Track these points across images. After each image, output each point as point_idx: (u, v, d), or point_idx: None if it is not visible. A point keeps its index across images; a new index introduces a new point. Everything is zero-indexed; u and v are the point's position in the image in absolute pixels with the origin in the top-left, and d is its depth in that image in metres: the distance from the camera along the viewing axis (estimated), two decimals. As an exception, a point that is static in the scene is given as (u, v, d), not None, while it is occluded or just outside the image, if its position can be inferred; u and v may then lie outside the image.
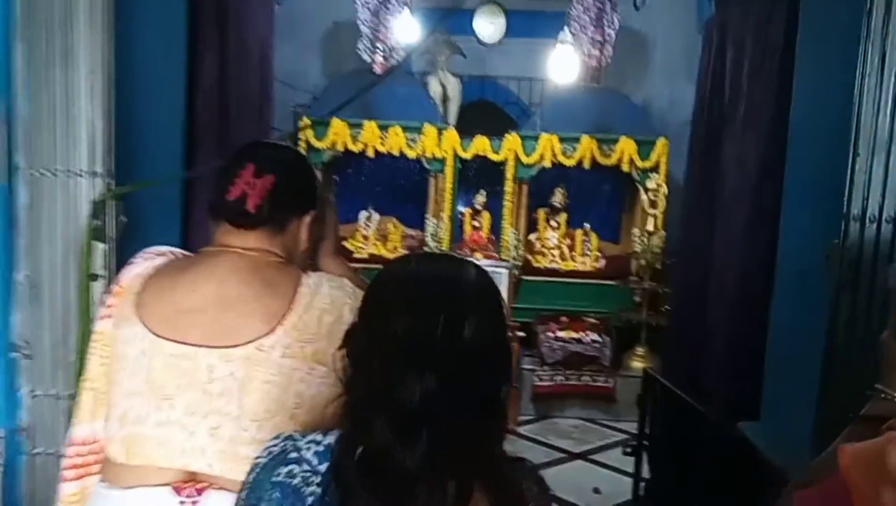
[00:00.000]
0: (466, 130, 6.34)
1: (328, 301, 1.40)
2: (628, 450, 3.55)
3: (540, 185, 6.40)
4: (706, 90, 3.80)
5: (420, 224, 6.29)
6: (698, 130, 3.85)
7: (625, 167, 6.09)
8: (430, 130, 6.02)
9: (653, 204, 5.79)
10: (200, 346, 1.33)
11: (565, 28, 5.78)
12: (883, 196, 2.08)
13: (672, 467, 3.18)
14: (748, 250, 3.05)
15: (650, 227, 5.79)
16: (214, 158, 2.82)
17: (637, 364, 5.76)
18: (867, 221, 2.08)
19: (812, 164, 2.51)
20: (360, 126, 6.01)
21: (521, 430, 5.42)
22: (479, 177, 6.52)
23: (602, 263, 6.30)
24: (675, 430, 3.24)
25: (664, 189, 5.84)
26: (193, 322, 1.34)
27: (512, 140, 6.10)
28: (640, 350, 5.81)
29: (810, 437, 2.19)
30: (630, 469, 3.83)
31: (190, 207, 2.75)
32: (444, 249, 6.11)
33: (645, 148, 6.05)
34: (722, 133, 3.53)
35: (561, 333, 5.74)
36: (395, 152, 6.04)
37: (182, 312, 1.36)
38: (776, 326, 2.74)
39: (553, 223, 6.44)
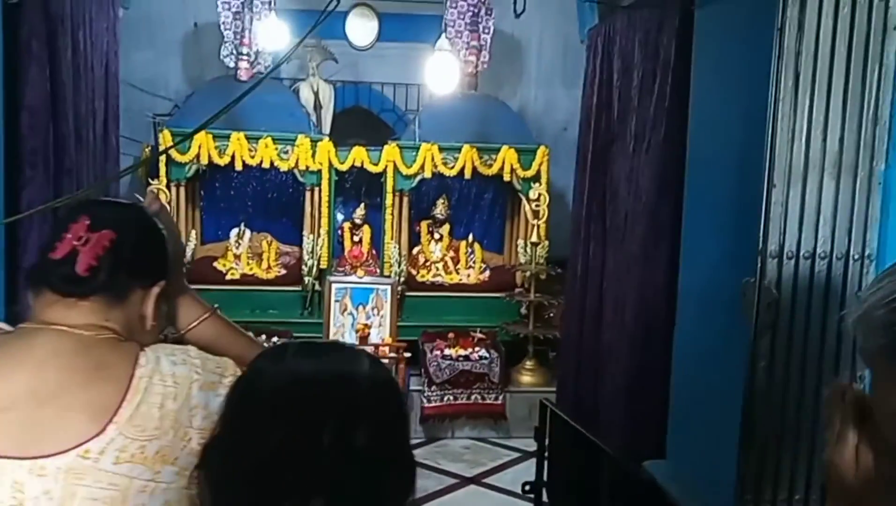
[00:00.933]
0: (341, 138, 6.04)
1: (170, 382, 1.13)
2: (527, 488, 3.36)
3: (421, 196, 6.18)
4: (592, 102, 3.67)
5: (297, 240, 5.93)
6: (585, 143, 3.72)
7: (506, 177, 5.96)
8: (303, 140, 5.67)
9: (536, 214, 5.67)
10: (4, 457, 1.04)
11: (443, 35, 5.56)
12: (800, 230, 1.95)
13: (576, 506, 3.02)
14: (645, 275, 2.93)
15: (534, 237, 5.67)
16: (46, 190, 2.42)
17: (526, 379, 5.64)
18: (784, 257, 1.95)
19: (715, 190, 2.39)
20: (226, 137, 5.57)
21: (411, 455, 5.18)
22: (357, 189, 6.23)
23: (487, 274, 6.15)
24: (576, 466, 3.07)
25: (546, 198, 5.74)
26: None
27: (390, 150, 5.84)
28: (528, 364, 5.69)
29: (728, 483, 2.05)
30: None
31: (14, 261, 2.33)
32: (322, 266, 5.78)
33: (526, 157, 5.93)
34: (611, 149, 3.41)
35: (448, 351, 5.53)
36: (266, 165, 5.65)
37: None
38: (680, 359, 2.61)
39: (436, 235, 6.23)
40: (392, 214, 5.90)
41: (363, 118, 6.82)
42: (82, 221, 1.16)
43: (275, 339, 5.41)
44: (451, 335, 5.61)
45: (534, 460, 3.53)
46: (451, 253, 6.21)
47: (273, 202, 6.18)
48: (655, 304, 2.87)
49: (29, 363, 1.11)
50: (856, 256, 1.99)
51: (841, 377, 1.91)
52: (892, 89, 1.98)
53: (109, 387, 1.06)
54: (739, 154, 2.25)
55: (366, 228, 6.07)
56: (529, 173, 5.92)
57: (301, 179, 5.78)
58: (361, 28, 6.66)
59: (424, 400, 5.39)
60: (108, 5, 3.18)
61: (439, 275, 6.08)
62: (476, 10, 6.28)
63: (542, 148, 5.96)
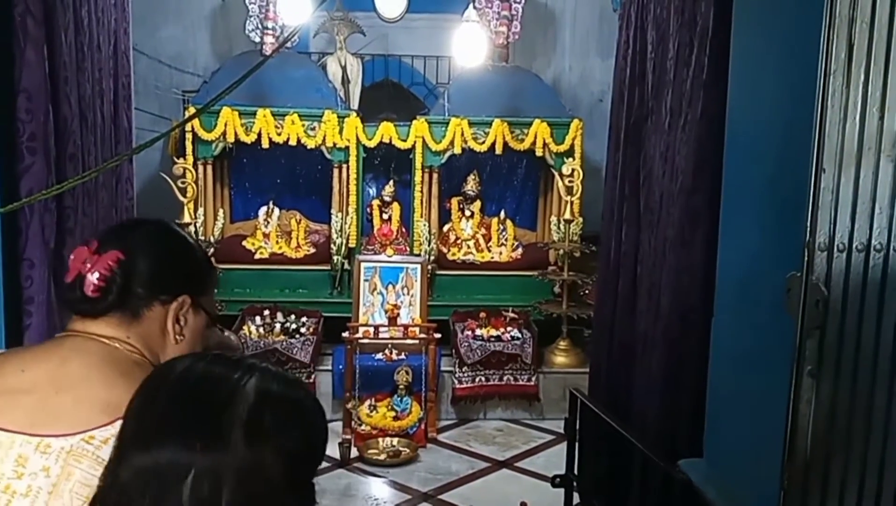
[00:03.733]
0: (370, 113, 5.90)
1: None
2: (556, 480, 3.23)
3: (451, 172, 6.03)
4: (625, 76, 3.46)
5: (326, 218, 5.83)
6: (617, 119, 3.51)
7: (538, 151, 5.77)
8: (330, 116, 5.54)
9: (569, 190, 5.48)
10: (15, 432, 1.10)
11: (470, 5, 5.36)
12: (853, 220, 1.76)
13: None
14: (681, 261, 2.75)
15: (567, 214, 5.49)
16: (47, 177, 2.32)
17: (560, 359, 5.50)
18: (835, 250, 1.76)
19: (757, 172, 2.20)
20: (252, 115, 5.47)
21: (442, 437, 5.10)
22: (385, 165, 6.10)
23: (519, 252, 5.99)
24: (607, 461, 2.93)
25: (580, 174, 5.54)
26: (14, 403, 1.12)
27: (419, 126, 5.68)
28: (562, 344, 5.55)
29: (770, 496, 1.89)
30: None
31: (14, 252, 2.24)
32: (352, 245, 5.67)
33: (559, 131, 5.74)
34: (645, 125, 3.21)
35: (480, 332, 5.41)
36: (293, 142, 5.53)
37: (2, 393, 1.14)
38: (718, 353, 2.44)
39: (467, 213, 6.08)
40: (421, 192, 5.76)
41: (393, 92, 6.66)
42: (91, 244, 1.22)
43: (304, 319, 5.35)
44: (482, 315, 5.48)
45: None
46: (483, 230, 6.06)
47: (302, 179, 6.08)
48: (692, 292, 2.70)
49: (56, 357, 1.18)
50: (915, 247, 1.80)
51: (896, 383, 1.73)
52: (959, 61, 1.77)
53: (126, 394, 1.02)
54: (784, 134, 2.05)
55: (395, 205, 5.94)
56: (562, 148, 5.73)
57: (329, 155, 5.66)
58: (390, -1, 6.48)
59: (456, 381, 5.28)
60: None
61: (470, 253, 5.93)
62: (507, -21, 6.05)
63: (575, 121, 5.76)
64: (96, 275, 1.18)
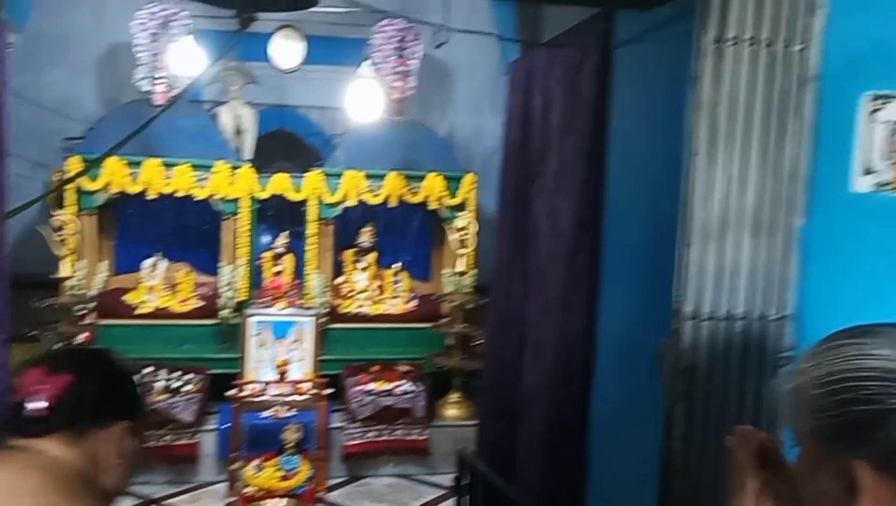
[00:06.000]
0: (265, 163, 5.83)
1: None
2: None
3: (346, 224, 6.00)
4: (514, 137, 3.57)
5: (216, 271, 5.67)
6: (507, 179, 3.61)
7: (432, 205, 5.84)
8: (221, 167, 5.44)
9: (462, 243, 5.55)
10: None
11: (366, 61, 5.43)
12: (717, 290, 1.86)
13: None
14: (565, 321, 2.83)
15: (461, 266, 5.55)
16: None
17: (452, 412, 5.50)
18: (701, 318, 1.86)
19: (632, 241, 2.30)
20: (139, 164, 5.31)
21: (331, 496, 5.00)
22: (280, 217, 6.01)
23: (414, 304, 6.00)
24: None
25: (474, 227, 5.63)
26: None
27: (314, 178, 5.66)
28: (454, 397, 5.55)
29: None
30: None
31: None
32: (242, 298, 5.54)
33: (452, 184, 5.83)
34: (532, 186, 3.31)
35: (372, 386, 5.36)
36: (183, 193, 5.39)
37: None
38: (598, 414, 2.51)
39: (361, 264, 6.06)
40: (315, 244, 5.71)
41: (288, 143, 6.62)
42: (40, 368, 1.31)
43: (188, 376, 5.16)
44: (375, 368, 5.44)
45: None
46: (378, 282, 6.05)
47: (192, 231, 5.91)
48: (575, 352, 2.78)
49: (13, 468, 1.24)
50: (775, 317, 1.92)
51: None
52: (811, 143, 1.92)
53: None
54: (655, 206, 2.16)
55: (289, 257, 5.85)
56: (456, 201, 5.82)
57: (219, 207, 5.55)
58: (287, 50, 6.45)
59: (346, 438, 5.19)
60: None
61: (364, 305, 5.90)
62: (403, 36, 6.15)
63: (468, 176, 5.87)
64: (48, 395, 1.27)
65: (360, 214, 6.00)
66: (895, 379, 0.98)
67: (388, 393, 5.32)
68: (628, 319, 2.32)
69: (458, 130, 7.14)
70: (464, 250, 5.57)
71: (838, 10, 1.90)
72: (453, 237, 5.64)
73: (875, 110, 1.94)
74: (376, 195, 5.72)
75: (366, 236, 6.00)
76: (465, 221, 5.65)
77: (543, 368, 2.97)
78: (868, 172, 1.95)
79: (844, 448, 0.97)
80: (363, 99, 5.46)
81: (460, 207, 5.82)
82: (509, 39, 3.40)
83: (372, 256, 6.06)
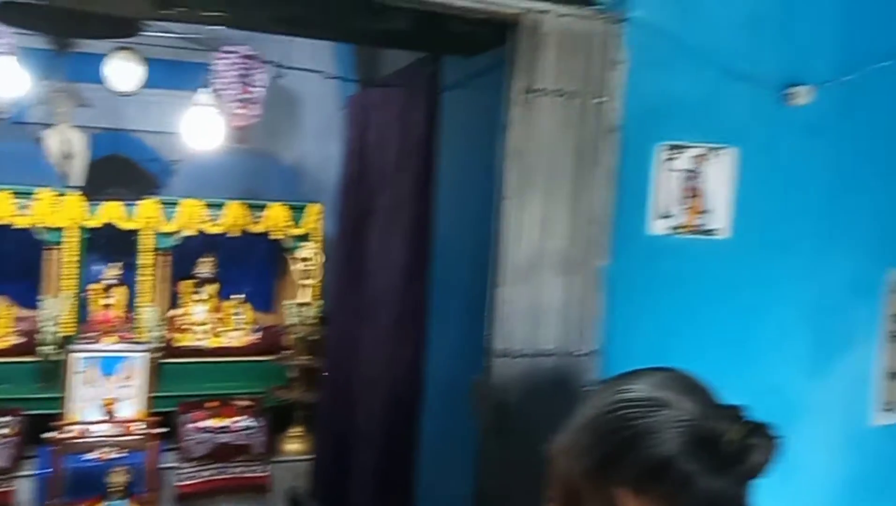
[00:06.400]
0: (96, 190, 5.53)
1: None
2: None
3: (185, 254, 5.78)
4: (352, 170, 3.59)
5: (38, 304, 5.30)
6: (344, 212, 3.62)
7: (275, 234, 5.75)
8: (45, 194, 5.12)
9: (306, 274, 5.49)
10: None
11: (204, 87, 5.29)
12: (527, 328, 1.94)
13: None
14: (396, 352, 2.86)
15: (305, 297, 5.48)
16: None
17: (294, 446, 5.38)
18: (512, 355, 1.92)
19: (455, 280, 2.36)
20: (-48, 190, 4.92)
21: (163, 541, 4.75)
22: (111, 247, 5.71)
23: (256, 336, 5.85)
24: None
25: (319, 257, 5.58)
26: None
27: (148, 206, 5.43)
28: (296, 431, 5.44)
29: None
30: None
31: None
32: (67, 333, 5.21)
33: (297, 214, 5.77)
34: (368, 221, 3.34)
35: (207, 423, 5.16)
36: (2, 221, 5.03)
37: None
38: (426, 450, 2.54)
39: (200, 296, 5.85)
40: (150, 275, 5.46)
41: (123, 169, 6.32)
42: None
43: (3, 418, 4.78)
44: (211, 404, 5.24)
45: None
46: (218, 314, 5.86)
47: (12, 262, 5.51)
48: (404, 385, 2.81)
49: None
50: (582, 352, 2.02)
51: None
52: (612, 189, 2.04)
53: None
54: (477, 246, 2.23)
55: (121, 290, 5.57)
56: (300, 231, 5.75)
57: (43, 236, 5.21)
58: (123, 72, 6.19)
59: (180, 478, 4.97)
60: None
61: (202, 339, 5.69)
62: (247, 62, 6.05)
63: (314, 205, 5.83)
64: None
65: (199, 244, 5.80)
66: (644, 405, 1.07)
67: (226, 429, 5.14)
68: (453, 354, 2.38)
69: (306, 158, 7.08)
70: (308, 281, 5.50)
71: (637, 67, 2.05)
72: (297, 268, 5.57)
73: (670, 159, 2.09)
74: (217, 224, 5.57)
75: (205, 267, 5.81)
76: (309, 251, 5.59)
77: (375, 400, 2.97)
78: (664, 216, 2.10)
79: (606, 479, 1.03)
80: (201, 126, 5.31)
81: (304, 237, 5.76)
82: (339, 78, 3.42)
83: (212, 288, 5.87)
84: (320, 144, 7.14)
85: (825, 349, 2.31)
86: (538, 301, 1.97)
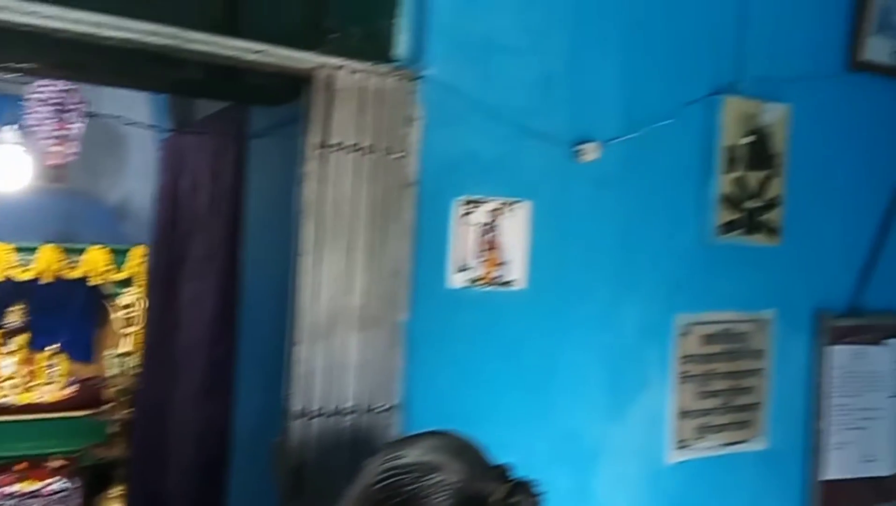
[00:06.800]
0: None
1: None
2: None
3: (-8, 302, 5.35)
4: (165, 216, 3.44)
5: None
6: (156, 259, 3.46)
7: (95, 280, 5.42)
8: None
9: (129, 321, 5.20)
10: None
11: (9, 125, 4.95)
12: (327, 387, 1.91)
13: None
14: (205, 411, 2.74)
15: (128, 346, 5.19)
16: None
17: (113, 507, 5.05)
18: (312, 415, 1.88)
19: (262, 333, 2.29)
20: None
21: None
22: None
23: (72, 390, 5.47)
24: None
25: (142, 303, 5.31)
26: None
27: (-55, 252, 4.98)
28: (115, 491, 5.11)
29: None
30: None
31: None
32: None
33: (118, 258, 5.46)
34: (179, 270, 3.21)
35: (15, 487, 4.77)
36: None
37: None
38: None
39: (8, 348, 5.41)
40: (-53, 327, 5.01)
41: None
42: None
43: None
44: (20, 467, 4.84)
45: None
46: (29, 367, 5.43)
47: None
48: (213, 449, 2.69)
49: None
50: (383, 408, 2.00)
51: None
52: (411, 243, 2.06)
53: None
54: (281, 302, 2.18)
55: (-87, 343, 5.07)
56: (122, 276, 5.45)
57: None
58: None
59: (-22, 551, 4.55)
60: None
61: (10, 395, 5.25)
62: (63, 98, 5.72)
63: (137, 248, 5.54)
64: None
65: (8, 292, 5.38)
66: (415, 471, 1.11)
67: (36, 494, 4.78)
68: (260, 412, 2.30)
69: (130, 198, 6.72)
70: (130, 329, 5.22)
71: (433, 123, 2.08)
72: (118, 315, 5.27)
73: (467, 213, 2.14)
74: (27, 270, 5.18)
75: (14, 316, 5.39)
76: (131, 296, 5.31)
77: (184, 458, 2.84)
78: (462, 269, 2.14)
79: None
80: (5, 165, 4.96)
81: (127, 281, 5.47)
82: (148, 126, 3.29)
83: (22, 338, 5.44)
84: (146, 183, 6.81)
85: (621, 392, 2.42)
86: (337, 358, 1.94)
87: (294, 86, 2.08)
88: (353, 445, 1.94)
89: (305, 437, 1.89)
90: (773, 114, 2.64)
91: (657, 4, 2.45)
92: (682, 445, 2.54)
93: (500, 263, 2.18)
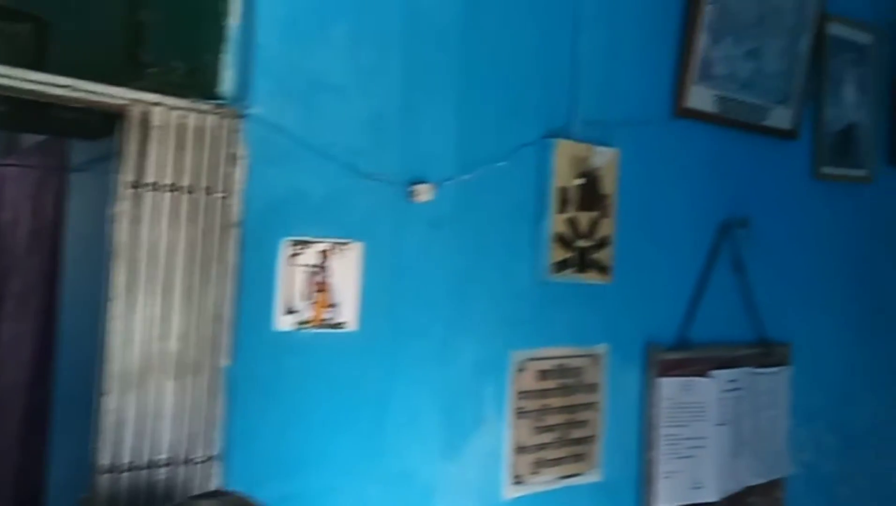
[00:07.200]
0: None
1: None
2: None
3: None
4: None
5: None
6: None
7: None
8: None
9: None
10: None
11: None
12: (138, 439, 1.80)
13: None
14: (19, 461, 2.54)
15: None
16: None
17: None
18: (122, 470, 1.77)
19: (79, 383, 2.15)
20: None
21: None
22: None
23: None
24: None
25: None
26: None
27: None
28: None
29: None
30: None
31: None
32: None
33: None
34: (1, 307, 2.98)
35: None
36: None
37: None
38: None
39: None
40: None
41: None
42: None
43: None
44: None
45: None
46: None
47: None
48: (27, 499, 2.50)
49: None
50: (201, 459, 1.92)
51: None
52: (234, 286, 1.99)
53: None
54: (95, 349, 2.05)
55: None
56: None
57: None
58: None
59: None
60: None
61: None
62: None
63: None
64: None
65: None
66: None
67: None
68: (72, 466, 2.16)
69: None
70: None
71: (258, 163, 2.03)
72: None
73: (295, 255, 2.10)
74: None
75: None
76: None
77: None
78: (290, 311, 2.09)
79: None
80: None
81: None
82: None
83: None
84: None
85: (456, 430, 2.43)
86: (151, 407, 1.84)
87: (106, 122, 1.98)
88: (166, 499, 1.84)
89: (114, 493, 1.78)
90: (603, 157, 2.74)
91: (492, 48, 2.50)
92: (519, 480, 2.57)
93: (331, 305, 2.14)
